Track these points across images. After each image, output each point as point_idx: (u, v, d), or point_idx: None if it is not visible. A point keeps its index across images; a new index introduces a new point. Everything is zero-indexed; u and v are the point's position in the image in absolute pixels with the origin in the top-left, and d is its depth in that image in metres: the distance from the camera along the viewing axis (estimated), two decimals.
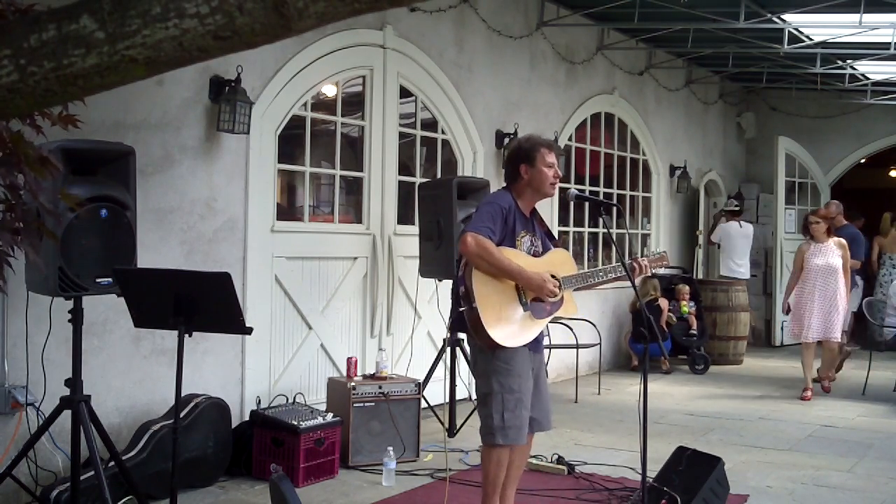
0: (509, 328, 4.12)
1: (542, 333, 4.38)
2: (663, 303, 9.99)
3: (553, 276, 4.22)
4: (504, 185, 4.42)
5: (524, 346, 4.19)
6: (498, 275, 4.09)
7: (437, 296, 7.25)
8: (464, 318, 4.11)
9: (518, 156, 4.32)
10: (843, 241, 8.59)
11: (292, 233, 6.38)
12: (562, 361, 8.98)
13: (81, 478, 4.26)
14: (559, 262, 4.34)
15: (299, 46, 6.23)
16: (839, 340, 8.57)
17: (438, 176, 7.66)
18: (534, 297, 4.19)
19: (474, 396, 7.21)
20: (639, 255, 5.54)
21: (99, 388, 4.93)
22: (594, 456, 5.97)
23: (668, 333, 9.92)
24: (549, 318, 4.27)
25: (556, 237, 4.59)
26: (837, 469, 5.91)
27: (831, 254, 8.39)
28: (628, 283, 4.35)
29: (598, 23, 9.66)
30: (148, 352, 5.36)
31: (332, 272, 6.65)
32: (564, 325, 7.55)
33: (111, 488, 4.17)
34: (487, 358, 4.16)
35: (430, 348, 7.28)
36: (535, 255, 4.29)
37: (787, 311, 8.69)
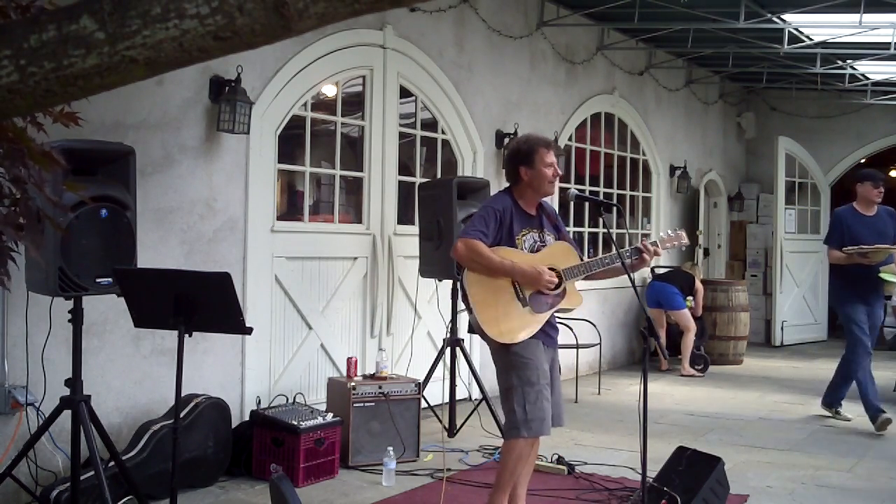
0: (507, 325, 4.18)
1: (554, 329, 4.43)
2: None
3: (552, 269, 4.24)
4: (507, 184, 4.47)
5: (537, 339, 4.25)
6: (493, 274, 4.15)
7: (437, 296, 7.25)
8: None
9: (517, 158, 4.36)
10: None
11: (292, 233, 6.38)
12: (562, 361, 8.91)
13: (81, 478, 4.26)
14: (560, 254, 4.36)
15: (299, 46, 6.23)
16: None
17: (438, 176, 7.65)
18: (533, 291, 4.22)
19: (474, 396, 7.27)
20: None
21: (99, 388, 4.93)
22: (594, 456, 5.97)
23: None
24: (552, 311, 4.30)
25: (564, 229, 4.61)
26: (837, 469, 5.91)
27: None
28: (635, 272, 4.37)
29: (598, 23, 9.66)
30: (148, 352, 5.36)
31: (332, 272, 6.65)
32: (565, 324, 7.54)
33: (111, 488, 4.17)
34: (503, 353, 4.22)
35: (430, 348, 7.27)
36: (540, 251, 4.33)
37: None
